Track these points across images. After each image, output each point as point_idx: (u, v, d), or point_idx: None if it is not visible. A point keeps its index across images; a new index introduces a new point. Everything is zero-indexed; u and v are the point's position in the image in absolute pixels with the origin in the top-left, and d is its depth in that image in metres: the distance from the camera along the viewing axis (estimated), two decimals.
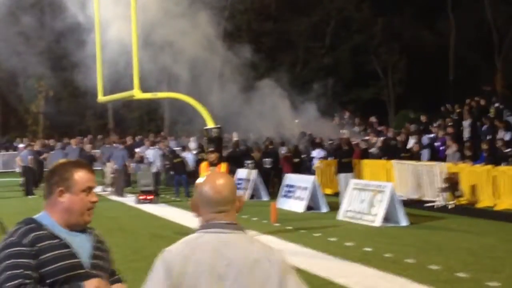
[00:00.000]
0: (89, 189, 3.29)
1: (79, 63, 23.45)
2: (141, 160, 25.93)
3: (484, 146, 19.25)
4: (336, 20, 44.81)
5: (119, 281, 3.42)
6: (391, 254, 11.57)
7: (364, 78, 43.58)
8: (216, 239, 2.85)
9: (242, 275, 2.79)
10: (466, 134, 22.92)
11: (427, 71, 41.14)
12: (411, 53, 41.93)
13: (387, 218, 15.24)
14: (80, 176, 3.27)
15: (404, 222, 15.16)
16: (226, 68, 24.84)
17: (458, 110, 26.20)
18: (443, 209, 17.66)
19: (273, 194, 21.46)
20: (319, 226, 15.27)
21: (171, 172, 25.74)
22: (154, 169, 24.05)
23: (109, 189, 25.00)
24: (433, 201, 18.50)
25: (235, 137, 27.74)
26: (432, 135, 24.10)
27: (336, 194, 20.23)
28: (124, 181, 24.49)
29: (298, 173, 21.26)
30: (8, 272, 3.01)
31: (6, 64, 33.24)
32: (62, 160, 3.47)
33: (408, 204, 17.95)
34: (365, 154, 23.87)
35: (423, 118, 26.89)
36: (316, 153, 24.74)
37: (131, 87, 17.77)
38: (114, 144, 27.35)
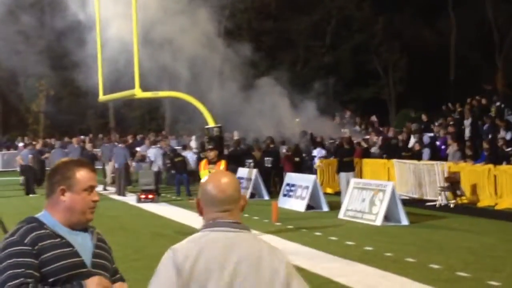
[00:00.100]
0: (91, 188, 3.29)
1: (80, 62, 23.46)
2: (142, 159, 25.94)
3: (485, 145, 19.24)
4: (337, 19, 44.80)
5: (121, 280, 3.41)
6: (392, 253, 11.58)
7: (364, 77, 43.57)
8: (224, 237, 2.84)
9: (251, 273, 2.79)
10: (467, 133, 22.91)
11: (428, 70, 41.13)
12: (412, 52, 41.92)
13: (387, 217, 15.24)
14: (82, 175, 3.27)
15: (404, 221, 15.16)
16: (226, 67, 24.85)
17: (459, 109, 26.19)
18: (444, 208, 17.65)
19: (274, 193, 21.46)
20: (320, 225, 15.27)
21: (172, 171, 25.74)
22: (155, 168, 24.05)
23: (110, 188, 25.01)
24: (434, 200, 18.50)
25: (236, 136, 27.75)
26: (432, 134, 24.09)
27: (337, 193, 20.24)
28: (125, 180, 24.50)
29: (299, 172, 21.24)
30: (9, 272, 3.01)
31: (6, 63, 33.24)
32: (64, 159, 3.46)
33: (409, 203, 17.97)
34: (366, 153, 23.87)
35: (424, 117, 26.89)
36: (317, 152, 24.73)
37: (132, 86, 17.78)
38: (116, 143, 27.35)
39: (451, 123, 24.00)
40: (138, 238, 14.04)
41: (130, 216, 18.23)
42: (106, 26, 19.78)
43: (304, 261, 10.62)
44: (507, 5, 38.02)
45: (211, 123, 16.96)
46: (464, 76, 40.38)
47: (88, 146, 28.34)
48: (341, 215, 16.51)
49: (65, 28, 25.15)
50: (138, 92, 17.51)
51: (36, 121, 47.34)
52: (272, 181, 23.55)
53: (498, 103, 24.67)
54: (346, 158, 19.42)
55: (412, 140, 23.26)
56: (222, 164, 13.19)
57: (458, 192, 18.05)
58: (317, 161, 23.98)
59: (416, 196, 19.73)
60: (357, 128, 29.91)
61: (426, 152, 21.78)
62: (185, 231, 13.58)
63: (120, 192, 23.50)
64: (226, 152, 21.88)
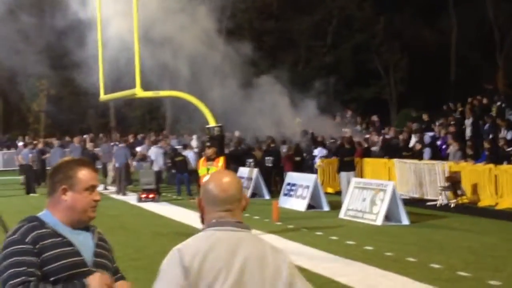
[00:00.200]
0: (92, 188, 3.29)
1: (81, 62, 23.45)
2: (143, 158, 25.96)
3: (486, 145, 19.22)
4: (338, 19, 44.80)
5: (122, 279, 3.42)
6: (393, 252, 11.57)
7: (365, 77, 43.57)
8: (228, 236, 2.84)
9: (256, 271, 2.80)
10: (468, 132, 22.90)
11: (429, 69, 41.11)
12: (413, 51, 41.90)
13: (388, 217, 15.24)
14: (84, 174, 3.28)
15: (405, 220, 15.16)
16: (227, 67, 24.84)
17: (460, 109, 26.18)
18: (445, 208, 17.65)
19: (275, 193, 21.46)
20: (320, 224, 15.27)
21: (173, 171, 25.75)
22: (156, 168, 24.06)
23: (111, 187, 25.02)
24: (435, 200, 18.49)
25: (237, 135, 27.75)
26: (433, 134, 24.07)
27: (338, 193, 20.24)
28: (126, 180, 24.51)
29: (299, 171, 21.24)
30: (11, 270, 3.01)
31: (7, 63, 33.24)
32: (66, 158, 3.47)
33: (410, 202, 17.96)
34: (366, 153, 23.87)
35: (425, 117, 26.87)
36: (318, 151, 24.73)
37: (132, 85, 17.77)
38: (114, 143, 27.38)
39: (452, 122, 23.98)
40: (139, 237, 14.04)
41: (130, 216, 18.24)
42: (107, 25, 19.77)
43: (305, 260, 10.62)
44: (508, 4, 37.98)
45: (212, 123, 16.97)
46: (465, 75, 40.36)
47: (89, 145, 28.36)
48: (341, 215, 16.51)
49: (65, 27, 25.14)
50: (139, 92, 17.50)
51: (37, 120, 47.38)
52: (273, 180, 23.56)
53: (499, 103, 24.64)
54: (347, 157, 19.42)
55: (413, 140, 23.25)
56: (221, 161, 13.18)
57: (459, 192, 18.04)
58: (317, 161, 23.98)
59: (416, 195, 19.72)
60: (358, 127, 29.90)
61: (427, 151, 21.76)
62: (186, 231, 13.59)
63: (120, 191, 23.52)
64: (226, 151, 21.89)
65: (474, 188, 18.20)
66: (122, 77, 20.89)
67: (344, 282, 9.48)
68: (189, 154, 26.28)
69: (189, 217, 16.59)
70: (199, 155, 25.53)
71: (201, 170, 13.23)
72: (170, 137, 34.22)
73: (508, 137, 19.98)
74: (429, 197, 19.12)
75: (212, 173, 3.08)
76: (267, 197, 21.56)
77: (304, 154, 24.67)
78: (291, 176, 20.07)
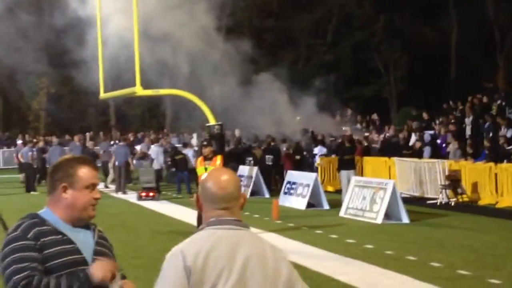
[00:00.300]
0: (92, 186, 3.29)
1: (80, 60, 23.44)
2: (143, 157, 25.95)
3: (486, 143, 19.22)
4: (338, 17, 44.77)
5: (122, 277, 3.42)
6: (393, 251, 11.57)
7: (365, 75, 43.53)
8: (229, 235, 2.83)
9: (258, 269, 2.80)
10: (468, 131, 22.90)
11: (429, 68, 41.09)
12: (413, 50, 41.88)
13: (388, 215, 15.24)
14: (84, 172, 3.28)
15: (405, 219, 15.15)
16: (227, 65, 24.81)
17: (460, 107, 26.17)
18: (445, 206, 17.64)
19: (275, 191, 21.46)
20: (320, 223, 15.27)
21: (173, 169, 25.75)
22: (156, 166, 24.06)
23: (112, 186, 25.02)
24: (435, 198, 18.49)
25: (237, 133, 27.73)
26: (433, 132, 24.07)
27: (338, 191, 20.23)
28: (126, 178, 24.51)
29: (300, 170, 21.23)
30: (14, 266, 3.02)
31: (6, 61, 33.22)
32: (66, 156, 3.47)
33: (410, 201, 17.96)
34: (367, 152, 23.86)
35: (425, 115, 26.87)
36: (318, 150, 24.73)
37: (132, 83, 17.75)
38: (112, 141, 27.37)
39: (452, 121, 23.98)
40: (139, 236, 14.04)
41: (130, 214, 18.24)
42: (107, 22, 19.75)
43: (305, 259, 10.62)
44: (508, 4, 37.94)
45: (212, 121, 16.96)
46: (465, 75, 40.31)
47: (89, 144, 28.34)
48: (342, 213, 16.51)
49: (65, 25, 25.12)
50: (139, 90, 17.49)
51: (37, 118, 47.38)
52: (273, 179, 23.55)
53: (499, 101, 24.65)
54: (347, 156, 19.40)
55: (413, 138, 23.25)
56: (218, 160, 13.18)
57: (459, 190, 18.04)
58: (318, 159, 23.98)
59: (417, 194, 19.72)
60: (358, 126, 29.90)
61: (427, 150, 21.78)
62: (186, 229, 13.58)
63: (120, 190, 23.51)
64: (227, 149, 21.87)
65: (474, 186, 18.21)
66: (122, 75, 20.88)
67: (344, 280, 9.47)
68: (189, 153, 26.27)
69: (189, 215, 16.58)
70: (199, 153, 25.53)
71: (199, 170, 13.24)
72: (170, 136, 34.21)
73: (508, 136, 19.97)
74: (429, 196, 19.12)
75: (210, 171, 3.07)
76: (267, 195, 21.55)
77: (304, 153, 24.67)
78: (291, 175, 20.07)
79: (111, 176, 25.96)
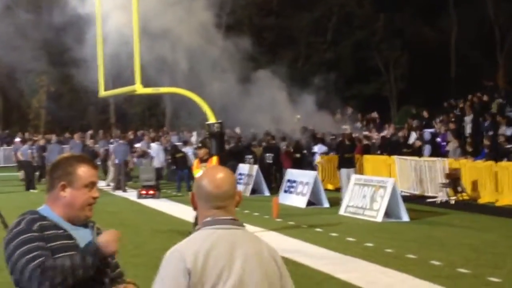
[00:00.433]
0: (91, 185, 3.28)
1: (80, 58, 23.41)
2: (143, 155, 25.94)
3: (486, 142, 19.22)
4: (338, 16, 44.77)
5: (122, 275, 3.42)
6: (393, 249, 11.57)
7: (365, 74, 43.54)
8: (226, 234, 2.82)
9: (256, 268, 2.80)
10: (467, 129, 22.90)
11: (429, 66, 41.08)
12: (413, 49, 41.87)
13: (388, 214, 15.24)
14: (83, 171, 3.27)
15: (405, 217, 15.16)
16: (226, 63, 24.79)
17: (460, 106, 26.17)
18: (445, 204, 17.65)
19: (275, 189, 21.45)
20: (320, 221, 15.27)
21: (173, 167, 25.74)
22: (156, 164, 24.04)
23: (111, 184, 25.01)
24: (435, 197, 18.49)
25: (238, 131, 27.72)
26: (433, 130, 24.06)
27: (338, 190, 20.22)
28: (125, 176, 24.50)
29: (300, 168, 21.23)
30: (26, 257, 3.02)
31: (6, 59, 33.22)
32: (65, 154, 3.46)
33: (410, 199, 17.96)
34: (366, 150, 23.86)
35: (425, 114, 26.87)
36: (318, 148, 24.72)
37: (132, 81, 17.72)
38: (111, 140, 27.37)
39: (452, 119, 23.97)
40: (138, 234, 14.03)
41: (130, 212, 18.23)
42: (106, 20, 19.71)
43: (305, 257, 10.62)
44: (508, 3, 37.90)
45: (212, 119, 16.92)
46: (465, 74, 40.29)
47: (89, 142, 28.32)
48: (341, 212, 16.51)
49: (64, 23, 25.10)
50: (138, 88, 17.43)
51: (37, 116, 47.36)
52: (273, 177, 23.54)
53: (499, 100, 24.65)
54: (347, 154, 19.40)
55: (413, 137, 23.25)
56: (213, 161, 13.17)
57: (459, 189, 18.04)
58: (317, 157, 23.97)
59: (417, 192, 19.71)
60: (358, 124, 29.88)
61: (427, 148, 21.77)
62: (186, 228, 13.56)
63: (119, 188, 23.50)
64: (227, 147, 21.85)
65: (474, 185, 18.20)
66: (122, 73, 20.85)
67: (344, 278, 9.47)
68: (189, 151, 26.25)
69: (189, 213, 16.53)
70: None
71: (196, 172, 13.26)
72: (170, 134, 34.21)
73: (508, 134, 19.98)
74: (429, 194, 19.11)
75: (206, 169, 3.05)
76: (267, 193, 21.56)
77: (304, 151, 24.67)
78: (291, 173, 20.07)
79: (111, 174, 25.95)
